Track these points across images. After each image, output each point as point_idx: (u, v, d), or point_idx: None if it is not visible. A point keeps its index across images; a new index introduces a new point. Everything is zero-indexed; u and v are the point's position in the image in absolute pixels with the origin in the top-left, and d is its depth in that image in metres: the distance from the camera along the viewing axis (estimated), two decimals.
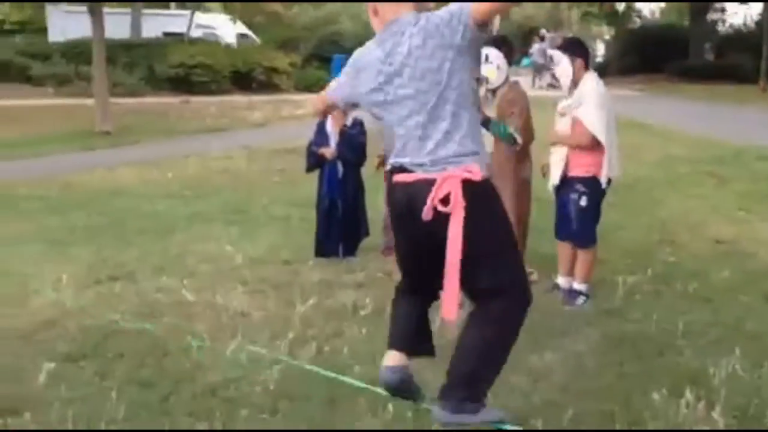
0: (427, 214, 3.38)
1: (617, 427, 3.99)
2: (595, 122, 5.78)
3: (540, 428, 4.00)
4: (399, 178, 3.57)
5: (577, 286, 6.16)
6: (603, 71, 32.93)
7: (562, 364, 4.88)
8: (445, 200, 3.39)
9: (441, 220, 3.39)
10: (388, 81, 3.55)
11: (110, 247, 8.22)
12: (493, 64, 6.17)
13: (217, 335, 5.46)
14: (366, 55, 3.69)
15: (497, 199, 3.57)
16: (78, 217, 9.95)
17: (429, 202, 3.38)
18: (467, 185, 3.39)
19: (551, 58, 6.17)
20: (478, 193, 3.41)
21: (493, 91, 6.25)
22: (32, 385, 4.61)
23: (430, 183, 3.42)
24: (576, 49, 6.03)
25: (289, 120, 21.66)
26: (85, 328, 5.71)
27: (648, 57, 37.71)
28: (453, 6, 3.40)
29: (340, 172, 7.47)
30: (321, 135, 7.50)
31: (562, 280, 6.35)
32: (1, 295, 6.56)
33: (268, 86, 31.74)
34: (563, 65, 5.96)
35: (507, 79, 6.23)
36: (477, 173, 3.41)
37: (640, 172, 12.17)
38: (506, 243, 3.54)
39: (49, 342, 5.43)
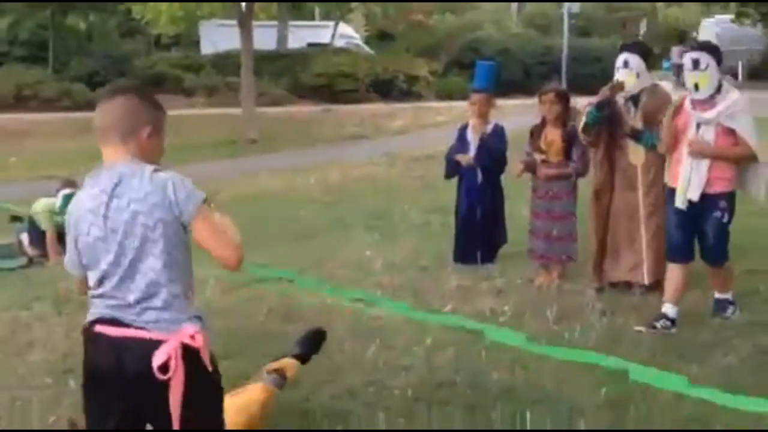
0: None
1: None
2: (753, 136, 5.43)
3: None
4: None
5: (723, 295, 5.77)
6: (757, 74, 31.40)
7: (711, 377, 4.65)
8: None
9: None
10: None
11: (253, 252, 8.44)
12: (633, 70, 6.02)
13: (356, 339, 5.52)
14: None
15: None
16: None
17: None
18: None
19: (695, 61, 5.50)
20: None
21: (633, 99, 6.10)
22: None
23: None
24: (718, 54, 5.54)
25: (429, 127, 21.73)
26: (229, 329, 5.88)
27: None
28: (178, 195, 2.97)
29: (479, 179, 7.40)
30: (461, 142, 7.49)
31: (670, 309, 5.60)
32: None
33: (409, 94, 31.93)
34: (710, 70, 5.41)
35: (649, 85, 6.09)
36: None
37: None
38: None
39: None
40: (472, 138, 7.38)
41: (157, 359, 2.78)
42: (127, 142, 2.99)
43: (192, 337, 2.86)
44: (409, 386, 4.68)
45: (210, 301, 6.57)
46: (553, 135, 6.70)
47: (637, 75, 6.04)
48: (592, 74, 26.51)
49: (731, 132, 5.42)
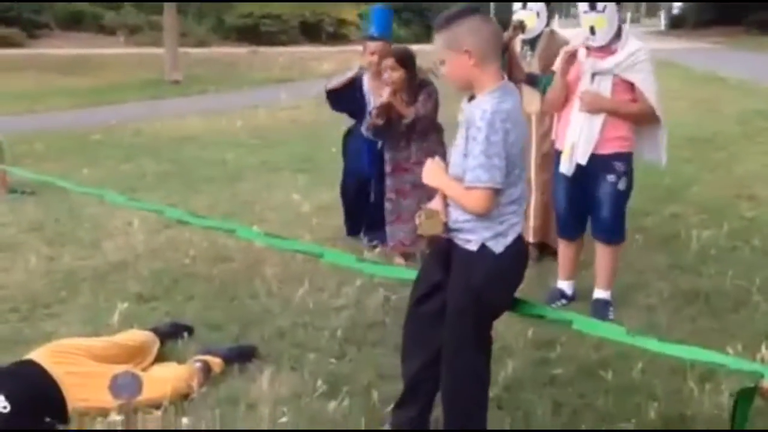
0: None
1: (690, 384, 3.90)
2: (655, 93, 4.72)
3: (610, 379, 3.94)
4: None
5: (603, 294, 5.04)
6: (679, 24, 31.92)
7: (633, 318, 4.79)
8: None
9: None
10: None
11: (179, 194, 8.34)
12: (533, 10, 5.63)
13: (285, 281, 5.49)
14: None
15: None
16: (148, 164, 10.10)
17: None
18: None
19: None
20: None
21: (530, 43, 5.74)
22: (107, 323, 4.70)
23: None
24: None
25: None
26: (156, 271, 5.81)
27: (727, 9, 36.46)
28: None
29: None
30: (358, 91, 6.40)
31: (565, 285, 5.23)
32: (76, 238, 6.72)
33: (336, 37, 31.60)
34: (609, 12, 4.69)
35: (546, 29, 5.72)
36: None
37: (716, 126, 11.84)
38: None
39: (122, 283, 5.56)
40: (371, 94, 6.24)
41: None
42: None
43: None
44: (339, 327, 4.69)
45: (136, 242, 6.47)
46: None
47: (537, 15, 5.64)
48: None
49: (629, 87, 4.72)
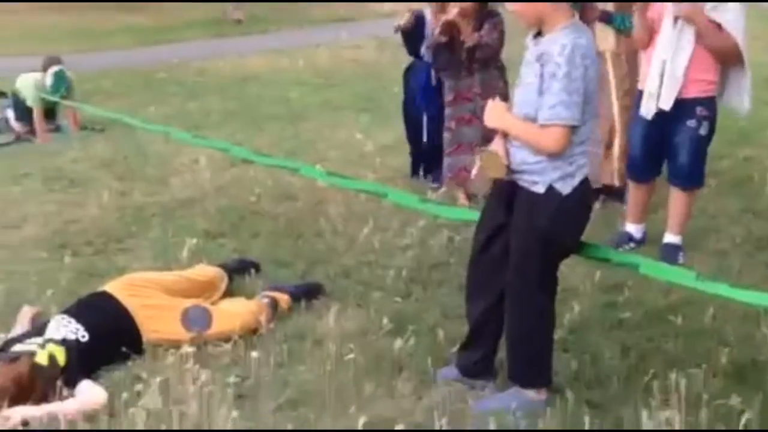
0: None
1: (763, 330, 3.83)
2: (741, 33, 4.51)
3: (680, 323, 3.89)
4: None
5: (674, 239, 4.89)
6: None
7: (703, 263, 4.70)
8: None
9: None
10: None
11: (244, 132, 8.40)
12: None
13: (349, 220, 5.52)
14: None
15: None
16: (213, 102, 10.18)
17: None
18: None
19: None
20: None
21: None
22: (177, 258, 4.79)
23: None
24: None
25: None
26: (222, 208, 5.89)
27: None
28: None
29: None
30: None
31: (634, 228, 5.09)
32: (145, 174, 6.83)
33: None
34: None
35: None
36: None
37: None
38: None
39: (190, 219, 5.65)
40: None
41: None
42: None
43: None
44: (404, 267, 4.70)
45: (202, 179, 6.55)
46: None
47: None
48: None
49: (717, 28, 4.50)
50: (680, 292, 4.12)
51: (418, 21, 6.18)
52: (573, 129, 3.01)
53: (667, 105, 4.59)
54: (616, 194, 5.66)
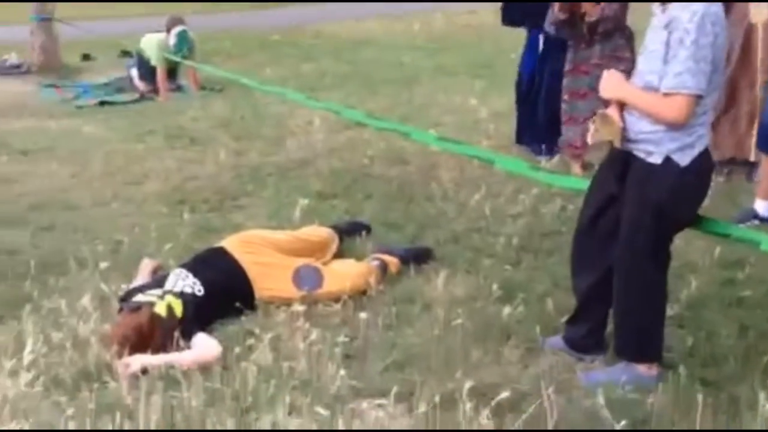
0: None
1: None
2: None
3: None
4: None
5: None
6: None
7: None
8: None
9: None
10: None
11: (358, 95, 8.45)
12: None
13: (461, 185, 5.49)
14: None
15: None
16: (328, 65, 10.27)
17: None
18: None
19: None
20: None
21: None
22: (290, 218, 4.88)
23: None
24: None
25: None
26: (335, 169, 5.95)
27: None
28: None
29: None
30: None
31: (763, 206, 4.85)
32: (261, 135, 6.97)
33: None
34: None
35: None
36: None
37: None
38: None
39: (304, 179, 5.74)
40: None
41: None
42: None
43: None
44: (515, 234, 4.65)
45: (316, 140, 6.64)
46: None
47: None
48: None
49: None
50: None
51: None
52: (697, 99, 2.90)
53: None
54: (744, 168, 5.43)
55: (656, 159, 3.00)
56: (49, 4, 10.64)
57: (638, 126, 3.03)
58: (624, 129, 3.05)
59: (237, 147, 6.63)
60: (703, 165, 3.05)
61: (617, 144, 3.09)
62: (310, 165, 6.09)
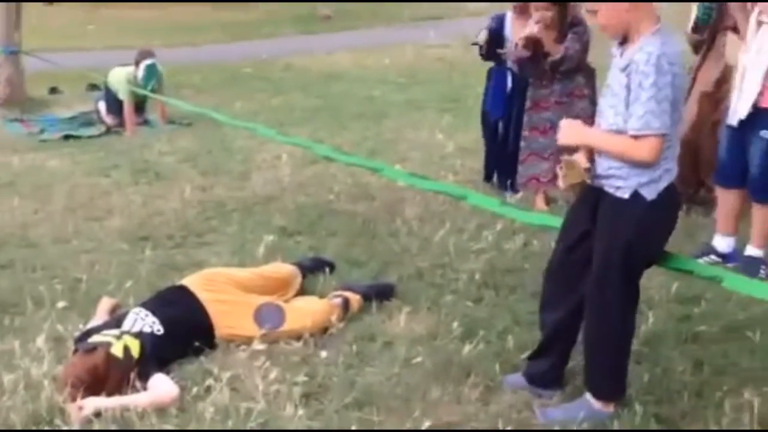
0: None
1: None
2: None
3: (757, 339, 3.77)
4: None
5: (755, 252, 4.74)
6: None
7: None
8: None
9: None
10: None
11: (327, 129, 8.49)
12: None
13: (425, 221, 5.52)
14: None
15: None
16: (298, 99, 10.31)
17: None
18: None
19: None
20: None
21: None
22: (254, 255, 4.88)
23: None
24: None
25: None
26: (301, 205, 5.96)
27: None
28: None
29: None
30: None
31: (721, 242, 4.88)
32: (227, 169, 6.97)
33: None
34: None
35: None
36: None
37: None
38: None
39: (269, 215, 5.74)
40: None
41: None
42: None
43: None
44: (477, 270, 4.68)
45: (283, 175, 6.65)
46: None
47: None
48: None
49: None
50: (760, 306, 4.00)
51: (494, 34, 6.03)
52: (664, 137, 2.96)
53: (743, 113, 4.47)
54: (701, 204, 5.49)
55: (624, 194, 3.05)
56: (16, 35, 10.55)
57: (607, 162, 3.08)
58: (590, 169, 3.11)
59: (203, 182, 6.62)
60: (670, 199, 3.11)
61: (588, 181, 3.14)
62: (276, 200, 6.10)
